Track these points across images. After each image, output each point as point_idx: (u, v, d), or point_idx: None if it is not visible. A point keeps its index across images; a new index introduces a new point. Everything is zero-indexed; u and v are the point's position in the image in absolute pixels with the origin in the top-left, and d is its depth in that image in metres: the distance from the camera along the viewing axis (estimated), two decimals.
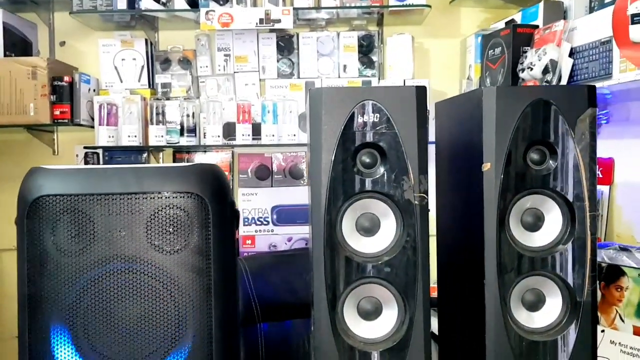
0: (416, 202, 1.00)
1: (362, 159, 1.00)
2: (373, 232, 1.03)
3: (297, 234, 2.63)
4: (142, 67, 2.66)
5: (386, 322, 1.03)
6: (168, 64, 2.68)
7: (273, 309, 2.24)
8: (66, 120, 2.43)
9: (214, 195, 1.05)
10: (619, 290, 1.33)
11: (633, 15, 1.46)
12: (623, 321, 1.31)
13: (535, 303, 1.07)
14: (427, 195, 1.00)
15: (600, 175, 1.97)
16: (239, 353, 1.14)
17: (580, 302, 1.04)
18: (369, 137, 0.99)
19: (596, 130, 1.06)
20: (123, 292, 1.02)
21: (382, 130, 0.98)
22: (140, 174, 1.03)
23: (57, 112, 2.42)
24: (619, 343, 1.30)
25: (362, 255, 1.02)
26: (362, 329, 1.03)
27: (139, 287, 1.02)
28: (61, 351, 1.00)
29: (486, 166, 1.03)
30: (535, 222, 1.06)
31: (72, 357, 1.01)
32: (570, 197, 1.04)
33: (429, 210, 1.01)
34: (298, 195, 2.66)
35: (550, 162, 1.04)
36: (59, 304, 1.00)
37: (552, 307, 1.06)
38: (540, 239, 1.06)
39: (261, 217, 2.66)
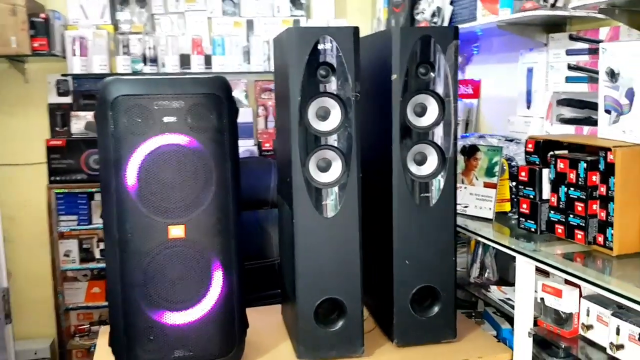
0: (353, 98, 1.66)
1: (320, 72, 1.64)
2: (326, 118, 1.68)
3: (242, 147, 3.24)
4: (104, 5, 3.09)
5: (334, 173, 1.70)
6: (126, 3, 3.13)
7: None
8: (45, 52, 2.85)
9: (227, 96, 1.65)
10: (475, 160, 2.08)
11: None
12: (477, 179, 2.07)
13: (421, 161, 1.78)
14: (360, 94, 1.66)
15: (471, 92, 2.71)
16: (240, 195, 1.75)
17: (447, 158, 1.76)
18: (325, 59, 1.63)
19: (459, 54, 1.75)
20: (172, 159, 1.61)
21: (333, 54, 1.62)
22: (182, 81, 1.60)
23: (35, 45, 2.83)
24: (475, 193, 2.06)
25: (320, 132, 1.68)
26: (321, 177, 1.70)
27: (182, 155, 1.62)
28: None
29: (394, 76, 1.70)
30: (422, 111, 1.75)
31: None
32: (442, 95, 1.74)
33: (360, 104, 1.67)
34: (240, 113, 3.24)
35: (431, 73, 1.73)
36: (132, 164, 1.58)
37: (431, 163, 1.78)
38: (425, 121, 1.76)
39: None
